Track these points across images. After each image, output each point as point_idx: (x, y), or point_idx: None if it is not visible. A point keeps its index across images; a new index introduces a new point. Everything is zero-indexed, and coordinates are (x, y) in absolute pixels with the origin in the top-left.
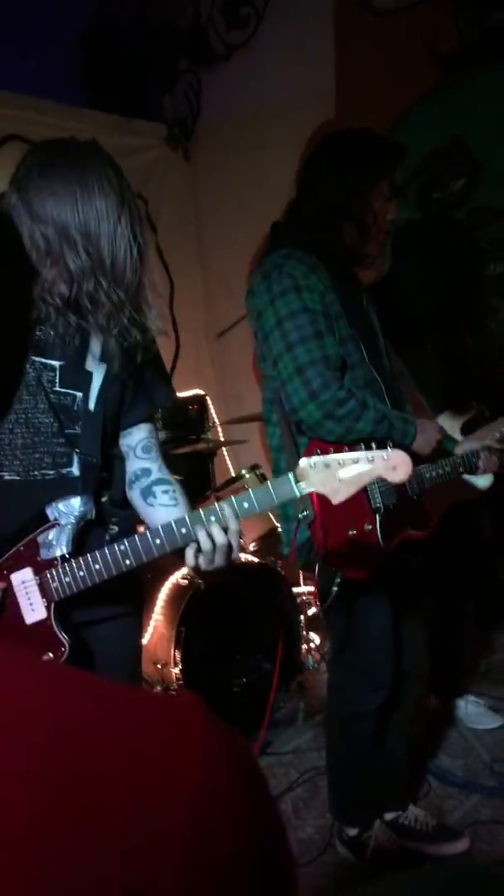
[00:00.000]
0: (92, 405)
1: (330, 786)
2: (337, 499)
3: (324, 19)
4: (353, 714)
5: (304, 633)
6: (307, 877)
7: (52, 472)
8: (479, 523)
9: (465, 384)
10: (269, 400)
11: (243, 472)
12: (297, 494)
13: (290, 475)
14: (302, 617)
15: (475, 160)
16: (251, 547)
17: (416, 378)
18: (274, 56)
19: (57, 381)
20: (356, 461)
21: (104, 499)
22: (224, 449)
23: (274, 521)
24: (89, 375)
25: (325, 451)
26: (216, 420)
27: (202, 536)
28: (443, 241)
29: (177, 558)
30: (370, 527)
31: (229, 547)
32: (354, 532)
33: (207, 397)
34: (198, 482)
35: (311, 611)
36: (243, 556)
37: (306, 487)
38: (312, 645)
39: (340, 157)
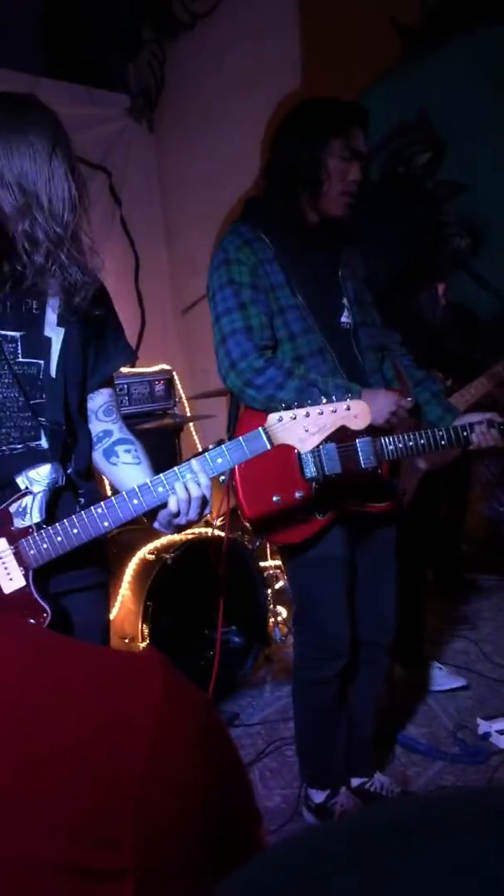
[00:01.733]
0: (53, 372)
1: (297, 751)
2: (305, 447)
3: None
4: (314, 681)
5: (272, 606)
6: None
7: (20, 446)
8: (436, 496)
9: (429, 356)
10: None
11: (210, 447)
12: (268, 447)
13: (261, 429)
14: (269, 590)
15: (439, 135)
16: (217, 522)
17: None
18: (238, 26)
19: (19, 351)
20: (321, 413)
21: (69, 470)
22: (191, 424)
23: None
24: (48, 341)
25: (256, 421)
26: (182, 395)
27: (179, 490)
28: (406, 211)
29: (149, 521)
30: (300, 494)
31: (203, 500)
32: (279, 498)
33: (174, 372)
34: (164, 457)
35: (279, 584)
36: (210, 532)
37: (276, 439)
38: (280, 618)
39: (295, 120)
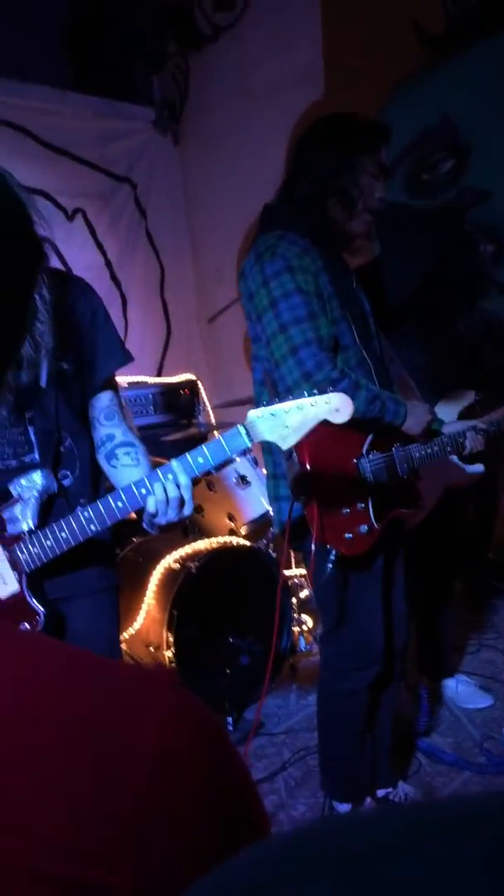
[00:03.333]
0: (44, 380)
1: (321, 763)
2: (286, 444)
3: (311, 0)
4: (346, 691)
5: (296, 615)
6: None
7: (13, 461)
8: (464, 504)
9: (454, 370)
10: (260, 381)
11: (234, 455)
12: (248, 444)
13: (240, 426)
14: (294, 599)
15: (463, 141)
16: (243, 531)
17: (404, 362)
18: (261, 38)
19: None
20: (300, 408)
21: (68, 481)
22: (216, 433)
23: (265, 504)
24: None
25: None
26: (207, 404)
27: (157, 491)
28: (430, 224)
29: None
30: (363, 505)
31: (181, 501)
32: (349, 511)
33: (198, 382)
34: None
35: (304, 594)
36: (235, 541)
37: (257, 437)
38: (304, 627)
39: (327, 133)
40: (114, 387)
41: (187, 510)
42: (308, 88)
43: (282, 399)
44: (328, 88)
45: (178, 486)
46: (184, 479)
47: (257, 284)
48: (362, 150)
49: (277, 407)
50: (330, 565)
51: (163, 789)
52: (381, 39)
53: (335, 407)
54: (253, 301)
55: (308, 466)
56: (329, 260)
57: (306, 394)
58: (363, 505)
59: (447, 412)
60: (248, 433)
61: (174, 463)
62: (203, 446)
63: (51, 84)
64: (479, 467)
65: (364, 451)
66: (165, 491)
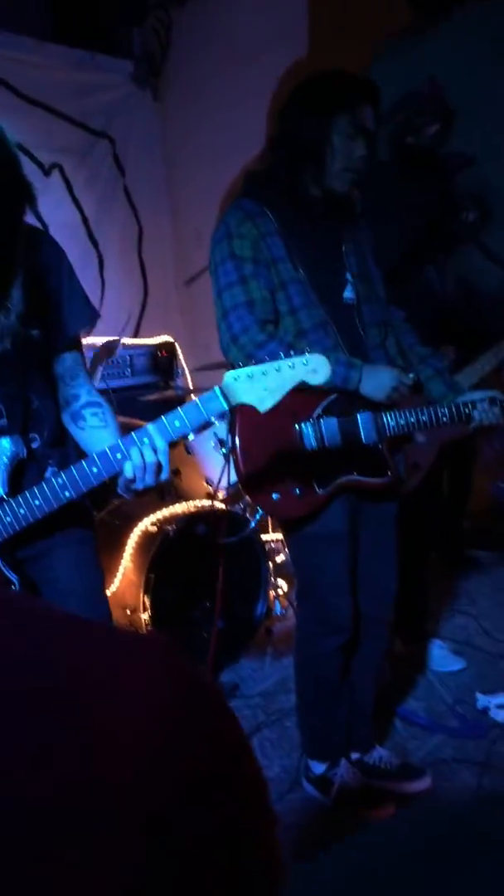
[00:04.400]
0: (7, 344)
1: (299, 722)
2: (264, 406)
3: None
4: (316, 654)
5: (273, 579)
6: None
7: None
8: (440, 470)
9: (437, 329)
10: None
11: (212, 418)
12: (225, 407)
13: (217, 389)
14: (270, 563)
15: (449, 105)
16: (220, 495)
17: None
18: None
19: None
20: (278, 369)
21: (36, 444)
22: (193, 396)
23: None
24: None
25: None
26: (185, 367)
27: (135, 455)
28: (413, 183)
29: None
30: (298, 468)
31: (158, 466)
32: (280, 472)
33: (176, 344)
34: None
35: (280, 558)
36: (213, 504)
37: (234, 399)
38: (280, 591)
39: (301, 94)
40: (78, 346)
41: (164, 475)
42: (292, 46)
43: (258, 361)
44: (312, 47)
45: (154, 451)
46: (161, 444)
47: (210, 251)
48: (335, 108)
49: (254, 368)
50: (252, 523)
51: (159, 756)
52: None
53: (312, 367)
54: (210, 267)
55: (237, 423)
56: (293, 221)
57: (282, 355)
58: (298, 467)
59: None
60: (224, 395)
61: (150, 427)
62: (179, 409)
63: (28, 34)
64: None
65: (315, 415)
66: (143, 456)
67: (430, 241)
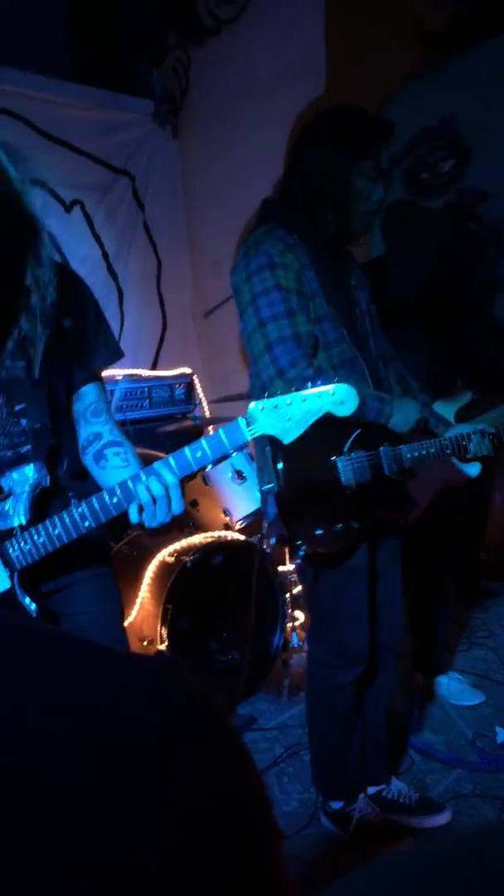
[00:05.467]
0: (36, 373)
1: (312, 760)
2: (288, 438)
3: None
4: (331, 688)
5: (289, 610)
6: (292, 849)
7: (9, 452)
8: (456, 504)
9: (457, 369)
10: (251, 374)
11: (232, 450)
12: (248, 438)
13: (241, 419)
14: (287, 595)
15: (464, 141)
16: (238, 525)
17: (405, 361)
18: (264, 31)
19: (6, 355)
20: (304, 399)
21: (62, 470)
22: (211, 427)
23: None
24: (32, 341)
25: None
26: (203, 399)
27: (142, 493)
28: (432, 222)
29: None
30: (338, 504)
31: (169, 500)
32: (321, 507)
33: (194, 376)
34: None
35: (296, 589)
36: (230, 535)
37: (257, 430)
38: (297, 623)
39: (322, 138)
40: (100, 382)
41: (176, 509)
42: (309, 83)
43: (284, 391)
44: (329, 84)
45: (164, 486)
46: (171, 479)
47: (242, 280)
48: (359, 154)
49: (280, 398)
50: (298, 561)
51: (167, 777)
52: (384, 36)
53: (340, 399)
54: (238, 296)
55: (280, 462)
56: (319, 257)
57: (310, 385)
58: (338, 503)
59: (443, 411)
60: (248, 426)
61: (170, 458)
62: (202, 440)
63: (51, 74)
64: (475, 467)
65: (345, 450)
66: (150, 490)
67: (453, 276)
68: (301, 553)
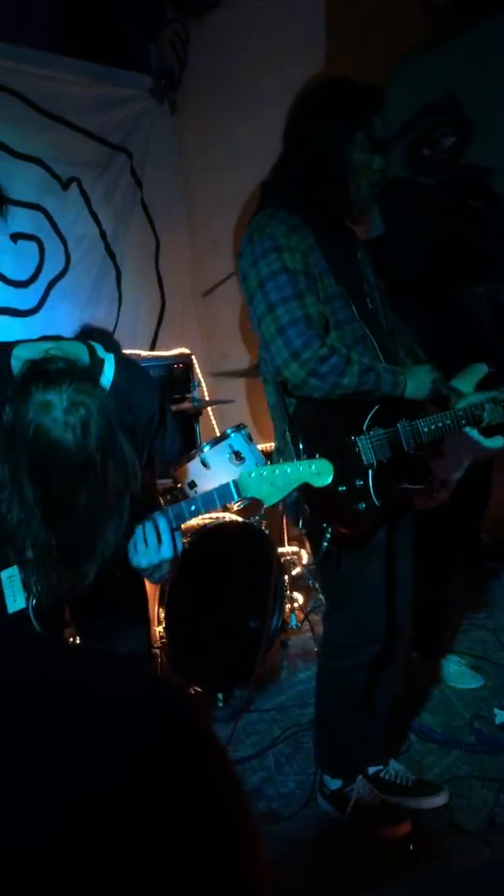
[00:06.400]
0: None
1: (316, 737)
2: (270, 501)
3: None
4: (348, 668)
5: (288, 592)
6: (289, 830)
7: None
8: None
9: (472, 341)
10: (264, 359)
11: (228, 431)
12: (237, 499)
13: (232, 484)
14: (286, 577)
15: (466, 117)
16: (236, 507)
17: (418, 334)
18: (263, 6)
19: None
20: (286, 471)
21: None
22: (210, 409)
23: None
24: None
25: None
26: (201, 379)
27: (138, 538)
28: (434, 197)
29: None
30: (361, 482)
31: (159, 542)
32: (345, 488)
33: (193, 356)
34: (183, 442)
35: (296, 570)
36: (228, 517)
37: (245, 493)
38: (296, 604)
39: (313, 114)
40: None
41: (166, 553)
42: (308, 58)
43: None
44: (329, 59)
45: (155, 528)
46: (162, 524)
47: (248, 265)
48: (351, 127)
49: (267, 468)
50: (325, 543)
51: (139, 781)
52: (385, 11)
53: (316, 471)
54: (245, 282)
55: (301, 443)
56: (323, 235)
57: (293, 454)
58: (361, 482)
59: (463, 387)
60: (237, 490)
61: (170, 510)
62: (199, 496)
63: (47, 49)
64: (498, 441)
65: (364, 428)
66: (144, 532)
67: (453, 255)
68: (328, 536)
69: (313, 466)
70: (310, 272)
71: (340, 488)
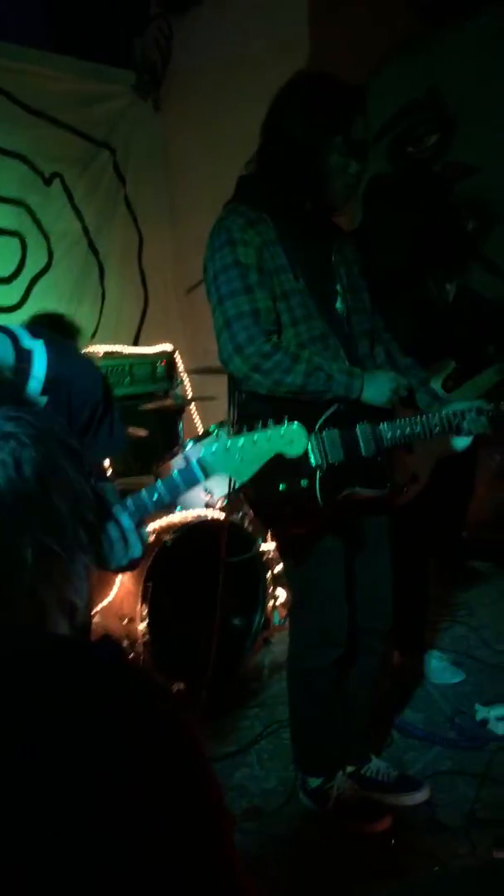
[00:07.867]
0: None
1: (292, 738)
2: (241, 478)
3: None
4: (310, 668)
5: (270, 588)
6: (270, 826)
7: None
8: (442, 480)
9: (441, 339)
10: None
11: (212, 428)
12: (202, 479)
13: (195, 461)
14: (269, 573)
15: (450, 115)
16: (218, 504)
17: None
18: (247, 3)
19: None
20: (255, 441)
21: None
22: (192, 405)
23: None
24: None
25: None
26: (184, 377)
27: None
28: (414, 194)
29: None
30: (306, 482)
31: (126, 543)
32: (285, 487)
33: (176, 353)
34: (165, 438)
35: (278, 567)
36: (210, 514)
37: (212, 471)
38: (278, 601)
39: (291, 110)
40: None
41: (134, 553)
42: (293, 55)
43: (237, 430)
44: (313, 56)
45: (120, 531)
46: (126, 522)
47: (207, 258)
48: (330, 130)
49: (230, 441)
50: (260, 541)
51: (109, 761)
52: (370, 8)
53: (288, 439)
54: (205, 274)
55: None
56: (289, 231)
57: (259, 424)
58: (307, 482)
59: (434, 386)
60: (202, 469)
61: (129, 501)
62: (159, 482)
63: (30, 44)
64: (465, 441)
65: (317, 428)
66: (108, 534)
67: (430, 251)
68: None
69: (283, 433)
70: (264, 267)
71: (281, 487)
